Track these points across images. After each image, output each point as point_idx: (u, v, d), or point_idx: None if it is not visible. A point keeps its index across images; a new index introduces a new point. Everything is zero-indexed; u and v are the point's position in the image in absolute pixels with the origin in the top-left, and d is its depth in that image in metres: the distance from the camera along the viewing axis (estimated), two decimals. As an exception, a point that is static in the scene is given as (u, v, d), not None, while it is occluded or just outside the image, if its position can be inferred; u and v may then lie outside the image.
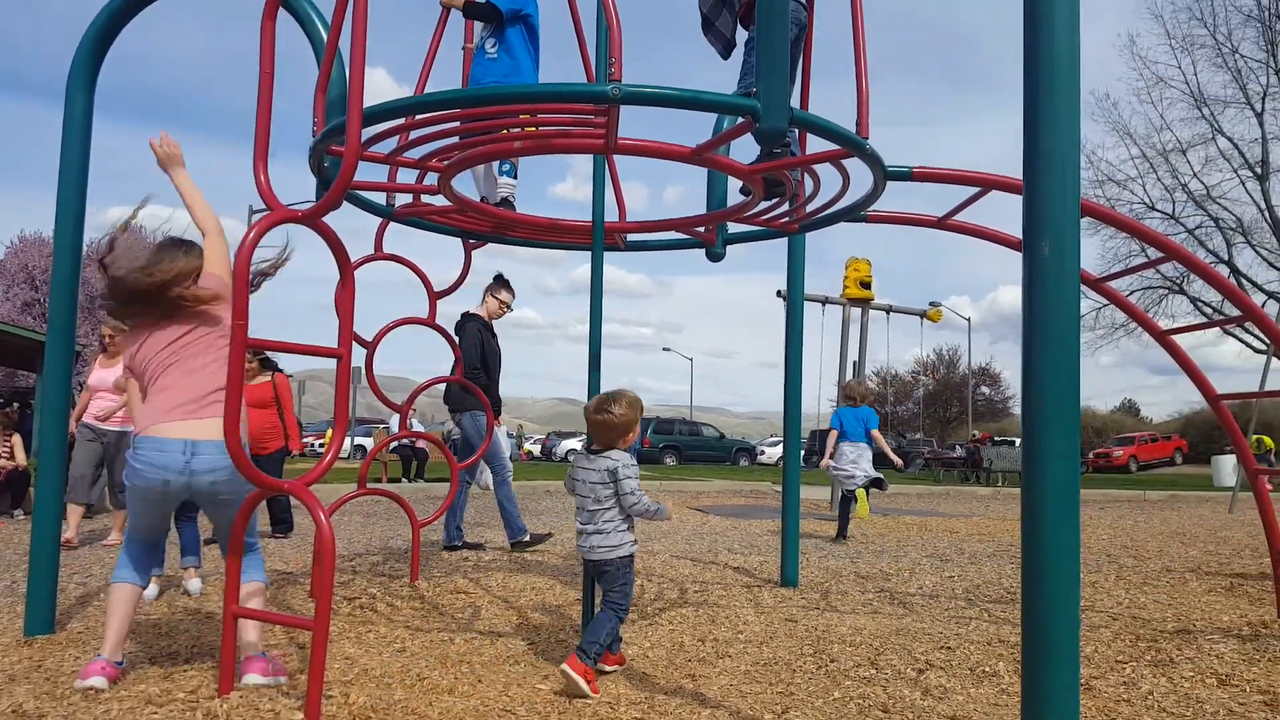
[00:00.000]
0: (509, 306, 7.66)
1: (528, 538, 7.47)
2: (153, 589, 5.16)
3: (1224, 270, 26.84)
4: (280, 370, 8.02)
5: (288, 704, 3.14)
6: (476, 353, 7.24)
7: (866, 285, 13.03)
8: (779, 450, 19.11)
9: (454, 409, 7.42)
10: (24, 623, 4.20)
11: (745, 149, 3.57)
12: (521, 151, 3.63)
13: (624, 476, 3.57)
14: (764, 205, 4.32)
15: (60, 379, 4.36)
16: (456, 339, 7.27)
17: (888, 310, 14.27)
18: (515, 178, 4.53)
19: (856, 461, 8.59)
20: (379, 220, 5.21)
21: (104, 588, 5.42)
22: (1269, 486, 5.06)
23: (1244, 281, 27.77)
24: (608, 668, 3.70)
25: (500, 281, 7.63)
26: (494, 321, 7.56)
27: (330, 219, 3.44)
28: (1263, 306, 19.98)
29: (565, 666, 3.39)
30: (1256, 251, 28.07)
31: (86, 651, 3.86)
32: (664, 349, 67.99)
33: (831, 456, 8.79)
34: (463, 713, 3.14)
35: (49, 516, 4.28)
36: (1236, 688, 3.65)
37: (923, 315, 14.98)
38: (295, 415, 8.52)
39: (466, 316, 7.47)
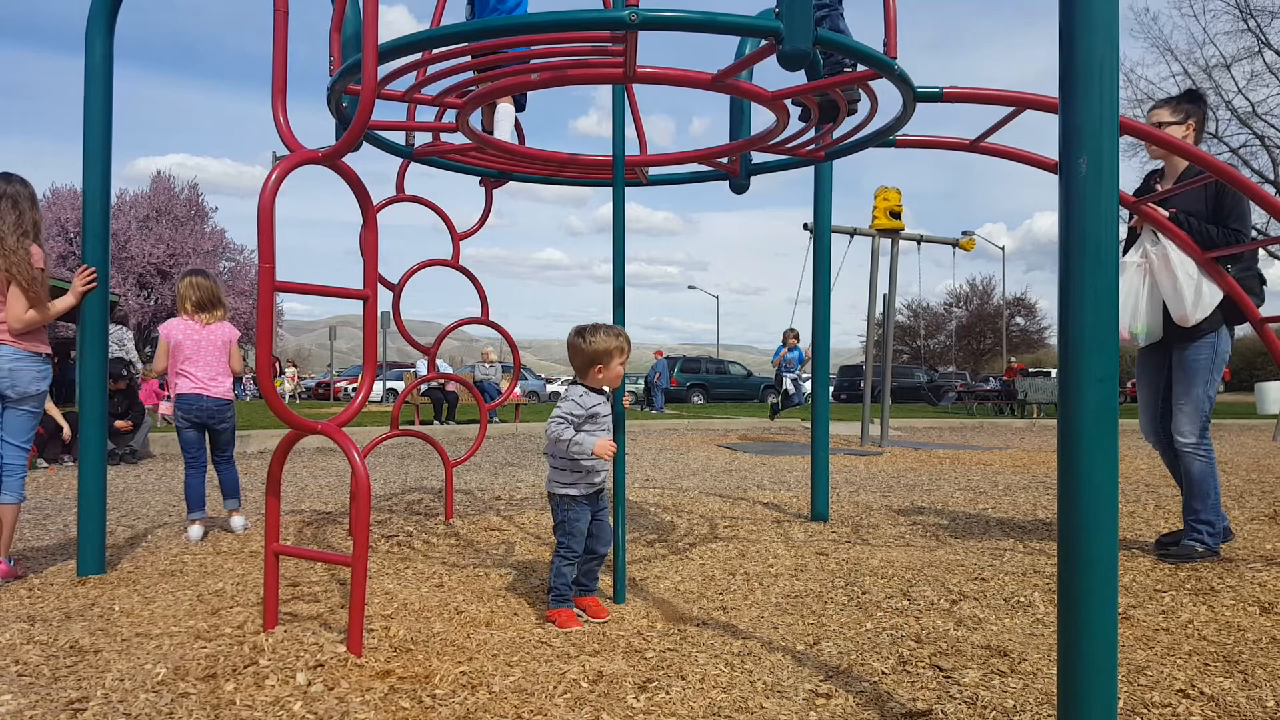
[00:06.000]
0: None
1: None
2: (197, 530, 5.28)
3: (1270, 190, 26.00)
4: None
5: (330, 637, 3.21)
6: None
7: (896, 215, 12.71)
8: (808, 387, 18.94)
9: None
10: (76, 564, 4.33)
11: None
12: (538, 84, 3.55)
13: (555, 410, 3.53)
14: (788, 133, 4.21)
15: (97, 328, 4.42)
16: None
17: (919, 240, 14.00)
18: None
19: None
20: (400, 162, 5.18)
21: (150, 530, 5.55)
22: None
23: (1290, 202, 26.81)
24: (588, 617, 3.54)
25: None
26: None
27: (352, 162, 3.40)
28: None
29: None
30: (1305, 171, 27.05)
31: (136, 590, 3.98)
32: (689, 287, 67.68)
33: None
34: (500, 645, 3.19)
35: (94, 462, 4.37)
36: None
37: (955, 245, 14.68)
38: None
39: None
